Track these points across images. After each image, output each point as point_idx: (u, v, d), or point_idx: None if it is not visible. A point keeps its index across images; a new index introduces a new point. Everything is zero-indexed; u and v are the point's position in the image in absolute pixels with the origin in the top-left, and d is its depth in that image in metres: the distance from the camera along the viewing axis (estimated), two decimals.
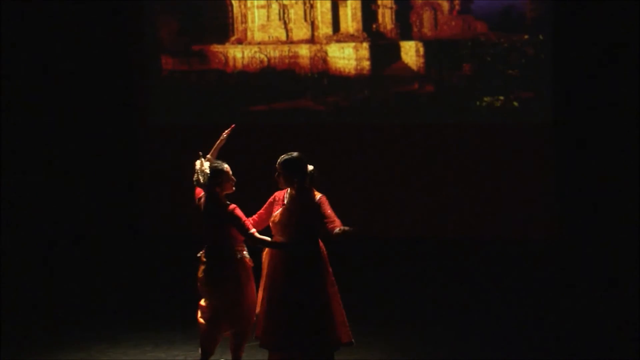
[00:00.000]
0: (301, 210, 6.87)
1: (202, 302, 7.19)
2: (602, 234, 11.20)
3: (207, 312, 7.16)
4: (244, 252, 7.06)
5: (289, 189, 7.02)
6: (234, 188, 7.09)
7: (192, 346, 8.63)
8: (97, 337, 8.97)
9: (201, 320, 7.21)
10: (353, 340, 7.02)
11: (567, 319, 9.13)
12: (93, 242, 12.28)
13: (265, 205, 7.11)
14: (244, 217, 6.92)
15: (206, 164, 7.02)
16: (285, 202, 7.00)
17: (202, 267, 7.11)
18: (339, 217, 6.82)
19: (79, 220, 12.46)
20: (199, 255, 7.16)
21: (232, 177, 7.08)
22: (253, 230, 6.90)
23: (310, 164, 7.01)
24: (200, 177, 6.99)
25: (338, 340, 6.95)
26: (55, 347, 8.77)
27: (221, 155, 7.31)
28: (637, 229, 11.00)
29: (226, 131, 7.35)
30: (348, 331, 7.00)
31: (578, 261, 10.91)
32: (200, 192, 7.13)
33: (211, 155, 7.23)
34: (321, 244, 6.97)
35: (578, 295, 9.81)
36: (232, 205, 6.98)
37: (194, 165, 7.06)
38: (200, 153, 7.06)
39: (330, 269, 7.00)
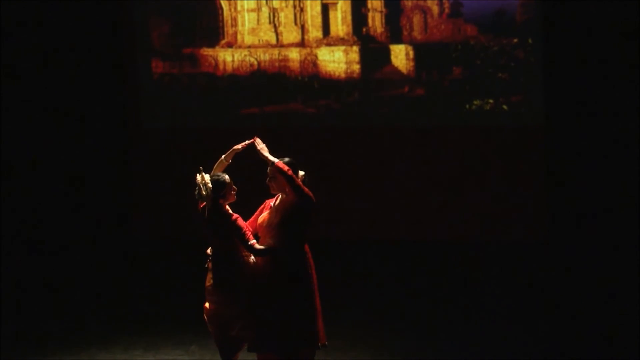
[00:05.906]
0: (291, 210, 6.87)
1: (207, 305, 7.16)
2: (592, 236, 11.22)
3: (216, 319, 7.10)
4: (251, 257, 7.05)
5: (280, 195, 7.03)
6: (235, 197, 7.11)
7: (181, 350, 8.65)
8: (86, 341, 8.96)
9: (211, 327, 7.15)
10: (327, 342, 7.06)
11: (558, 321, 9.15)
12: (84, 245, 12.25)
13: (255, 214, 7.14)
14: (245, 228, 6.94)
15: (207, 177, 7.01)
16: (273, 205, 7.04)
17: (210, 276, 7.10)
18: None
19: (71, 222, 12.44)
20: (207, 265, 7.13)
21: (234, 186, 7.09)
22: (253, 241, 6.92)
23: (300, 169, 7.03)
24: (203, 191, 6.98)
25: (318, 342, 6.98)
26: (44, 351, 8.77)
27: (211, 159, 7.28)
28: (628, 232, 11.03)
29: (246, 142, 7.15)
30: (324, 333, 7.04)
31: (568, 264, 10.92)
32: (202, 204, 7.12)
33: (225, 158, 7.19)
34: (307, 247, 6.99)
35: (569, 299, 9.83)
36: (235, 216, 6.99)
37: (195, 179, 7.03)
38: (201, 168, 7.05)
39: (314, 272, 7.01)
